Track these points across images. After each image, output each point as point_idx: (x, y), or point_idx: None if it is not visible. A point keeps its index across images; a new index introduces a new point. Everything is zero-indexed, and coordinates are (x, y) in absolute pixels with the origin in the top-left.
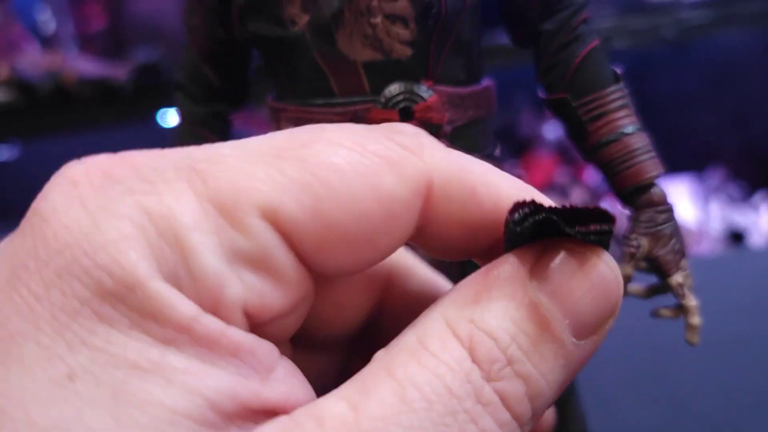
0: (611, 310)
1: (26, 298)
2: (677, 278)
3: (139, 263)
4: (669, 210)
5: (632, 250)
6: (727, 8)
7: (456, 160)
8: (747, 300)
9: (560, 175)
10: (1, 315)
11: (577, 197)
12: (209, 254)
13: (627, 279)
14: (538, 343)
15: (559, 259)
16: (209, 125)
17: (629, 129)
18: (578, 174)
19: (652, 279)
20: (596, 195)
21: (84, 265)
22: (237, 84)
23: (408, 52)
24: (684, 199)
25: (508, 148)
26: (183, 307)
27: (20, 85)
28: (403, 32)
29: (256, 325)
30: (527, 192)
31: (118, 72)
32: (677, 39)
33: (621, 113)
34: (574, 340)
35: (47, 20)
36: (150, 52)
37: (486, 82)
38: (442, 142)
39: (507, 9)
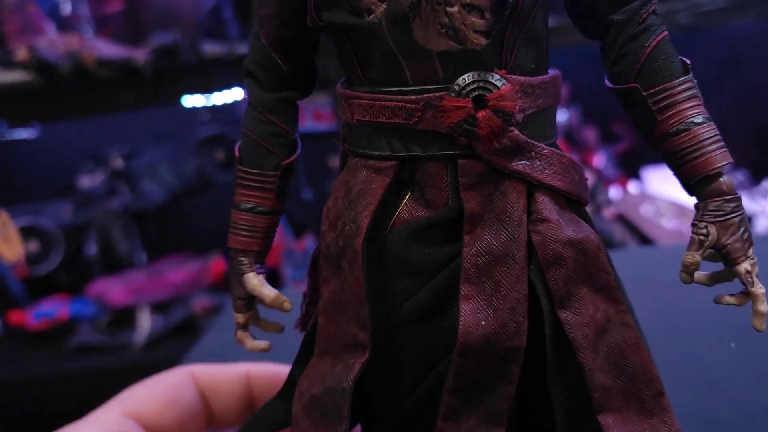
0: None
1: None
2: (745, 266)
3: None
4: (738, 199)
5: (701, 237)
6: None
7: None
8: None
9: None
10: None
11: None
12: None
13: (695, 266)
14: None
15: None
16: (277, 111)
17: (698, 119)
18: (587, 158)
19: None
20: (604, 179)
21: None
22: (305, 71)
23: (483, 41)
24: None
25: None
26: None
27: (40, 66)
28: (478, 22)
29: None
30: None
31: (137, 54)
32: (692, 25)
33: (690, 104)
34: None
35: (63, 1)
36: (167, 34)
37: (552, 71)
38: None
39: (576, 1)
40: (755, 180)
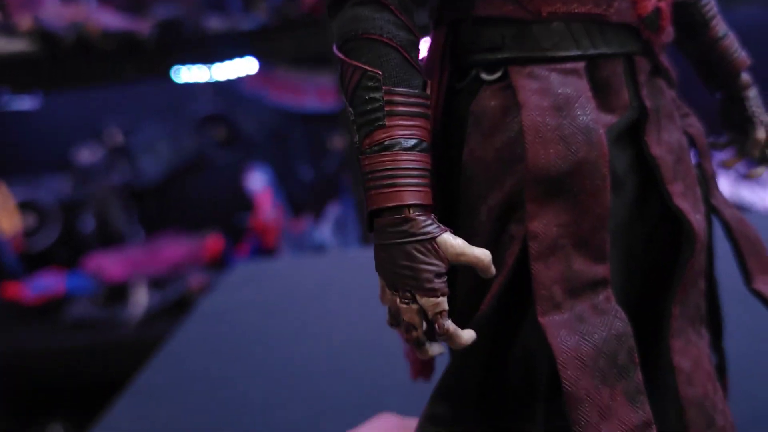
0: None
1: None
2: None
3: None
4: None
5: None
6: None
7: None
8: None
9: None
10: None
11: None
12: None
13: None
14: None
15: None
16: (410, 13)
17: (725, 26)
18: None
19: None
20: None
21: None
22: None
23: None
24: None
25: None
26: None
27: (44, 35)
28: None
29: None
30: None
31: (141, 26)
32: None
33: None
34: None
35: None
36: (169, 6)
37: None
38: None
39: None
40: None
